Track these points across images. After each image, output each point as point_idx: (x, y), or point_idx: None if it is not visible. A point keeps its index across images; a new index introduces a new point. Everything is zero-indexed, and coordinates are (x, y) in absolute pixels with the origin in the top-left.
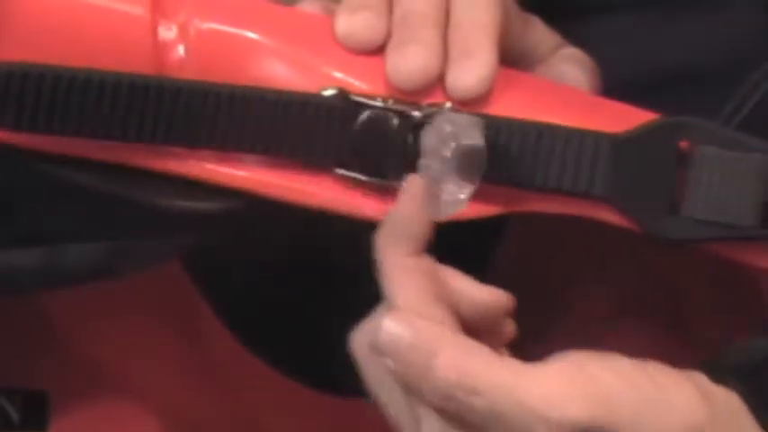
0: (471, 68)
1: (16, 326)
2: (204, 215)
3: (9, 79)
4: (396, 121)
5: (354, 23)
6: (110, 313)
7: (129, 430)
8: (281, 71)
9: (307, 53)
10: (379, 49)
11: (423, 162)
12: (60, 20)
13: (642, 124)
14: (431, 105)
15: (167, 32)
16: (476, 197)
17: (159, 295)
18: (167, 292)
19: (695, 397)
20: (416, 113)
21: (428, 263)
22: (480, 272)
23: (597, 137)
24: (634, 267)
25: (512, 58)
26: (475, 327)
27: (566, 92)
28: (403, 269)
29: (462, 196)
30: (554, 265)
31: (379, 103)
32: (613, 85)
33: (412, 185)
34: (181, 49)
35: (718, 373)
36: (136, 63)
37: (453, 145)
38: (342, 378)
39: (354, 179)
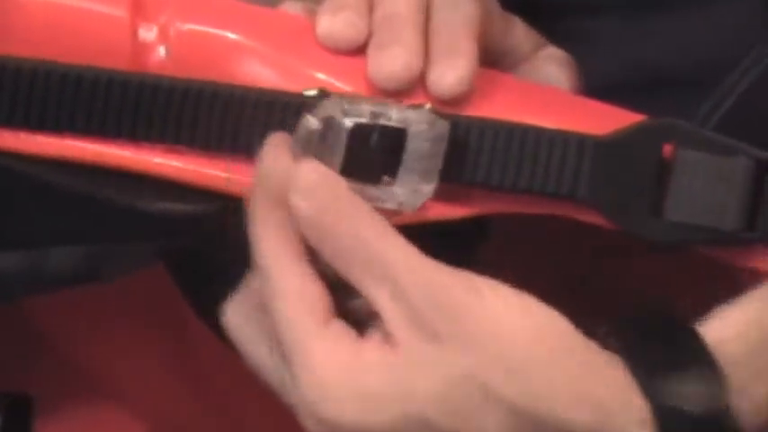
0: (452, 68)
1: (0, 330)
2: (186, 217)
3: None
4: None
5: (336, 23)
6: (95, 317)
7: None
8: (262, 72)
9: (288, 54)
10: (360, 50)
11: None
12: (40, 21)
13: (626, 126)
14: (411, 106)
15: (148, 33)
16: (459, 198)
17: (145, 299)
18: (153, 296)
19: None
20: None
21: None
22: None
23: (581, 139)
24: (621, 269)
25: (493, 58)
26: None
27: (547, 92)
28: (267, 224)
29: (425, 191)
30: (536, 267)
31: None
32: (595, 87)
33: (274, 138)
34: (161, 51)
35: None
36: (116, 64)
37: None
38: None
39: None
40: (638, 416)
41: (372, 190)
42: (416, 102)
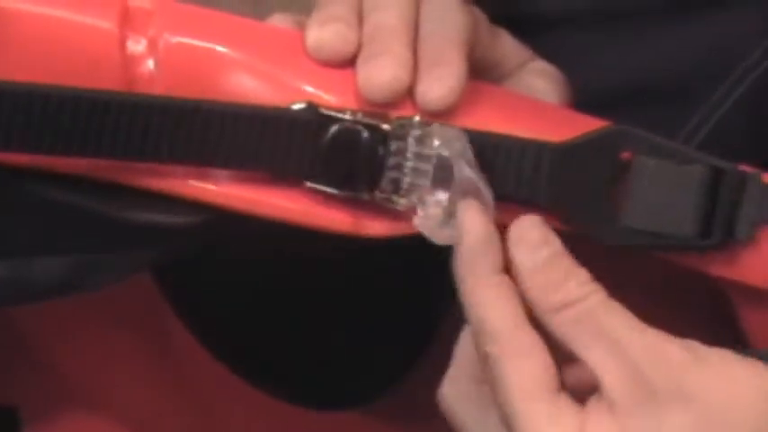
0: (441, 80)
1: None
2: (173, 229)
3: None
4: (366, 134)
5: (325, 35)
6: (81, 328)
7: None
8: (251, 85)
9: (277, 67)
10: (349, 63)
11: (411, 177)
12: (29, 33)
13: (585, 133)
14: (400, 118)
15: (136, 46)
16: None
17: (131, 309)
18: (138, 306)
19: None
20: (386, 126)
21: (509, 281)
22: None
23: (539, 146)
24: (604, 276)
25: (481, 70)
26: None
27: (532, 104)
28: (490, 288)
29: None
30: None
31: (348, 117)
32: (581, 100)
33: (470, 206)
34: (150, 63)
35: None
36: (105, 77)
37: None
38: (313, 390)
39: (325, 192)
40: None
41: (351, 196)
42: (405, 114)
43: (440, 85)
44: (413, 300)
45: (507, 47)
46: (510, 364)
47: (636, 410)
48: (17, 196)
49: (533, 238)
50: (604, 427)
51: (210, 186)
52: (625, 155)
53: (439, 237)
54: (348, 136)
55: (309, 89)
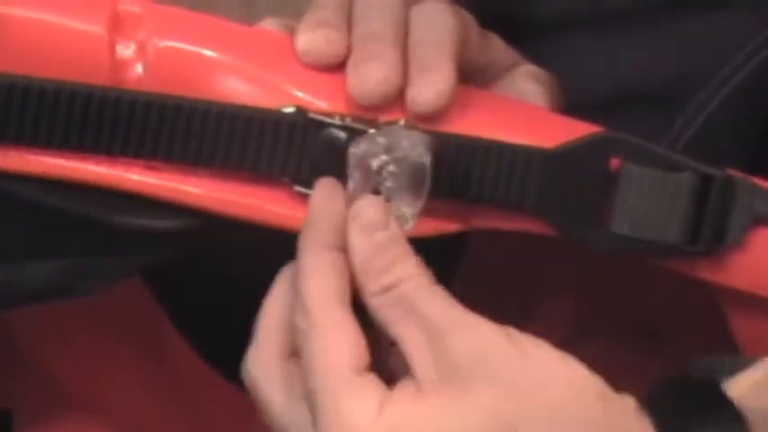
0: (430, 84)
1: None
2: (162, 233)
3: None
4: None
5: (315, 40)
6: (76, 333)
7: None
8: (240, 89)
9: (266, 71)
10: (338, 67)
11: (357, 175)
12: (19, 37)
13: (573, 140)
14: (388, 123)
15: (125, 50)
16: (420, 215)
17: (126, 315)
18: (134, 312)
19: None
20: (373, 131)
21: (342, 261)
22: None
23: (529, 151)
24: (598, 282)
25: (470, 73)
26: None
27: (522, 109)
28: (316, 263)
29: (410, 212)
30: (516, 282)
31: (337, 121)
32: (570, 103)
33: (324, 183)
34: (139, 67)
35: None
36: (94, 80)
37: (400, 159)
38: None
39: None
40: None
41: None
42: (395, 117)
43: (430, 89)
44: None
45: (497, 50)
46: (317, 339)
47: (440, 388)
48: (8, 201)
49: (369, 219)
50: (406, 404)
51: (198, 190)
52: (614, 161)
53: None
54: (336, 140)
55: (299, 93)
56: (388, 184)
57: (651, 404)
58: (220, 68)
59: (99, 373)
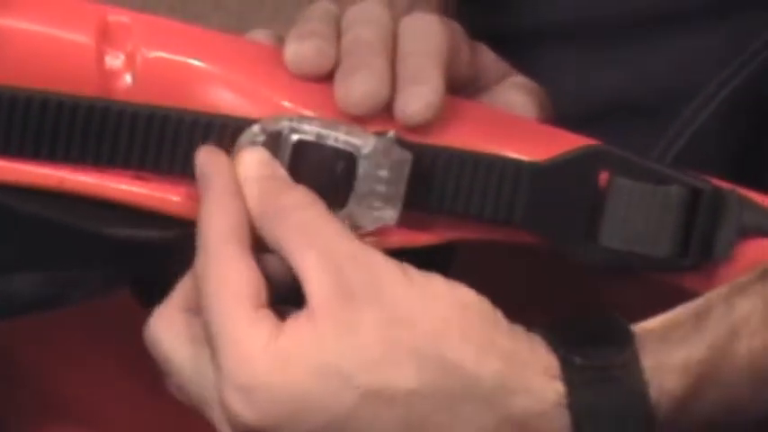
0: (419, 95)
1: None
2: (150, 243)
3: None
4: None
5: (303, 50)
6: (69, 344)
7: None
8: (228, 99)
9: (255, 81)
10: (327, 77)
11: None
12: (7, 48)
13: (562, 153)
14: (376, 133)
15: (114, 61)
16: (421, 225)
17: (118, 325)
18: (127, 322)
19: None
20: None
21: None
22: None
23: (518, 165)
24: (583, 291)
25: (459, 85)
26: None
27: (511, 121)
28: (213, 203)
29: (386, 216)
30: (505, 289)
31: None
32: (560, 115)
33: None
34: (128, 78)
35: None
36: (83, 91)
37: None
38: None
39: None
40: (546, 365)
41: None
42: (383, 129)
43: (418, 100)
44: None
45: (486, 61)
46: (214, 273)
47: (332, 312)
48: None
49: (255, 157)
50: (300, 331)
51: (187, 200)
52: (603, 175)
53: None
54: (323, 150)
55: (287, 104)
56: (364, 189)
57: (549, 329)
58: (208, 79)
59: (94, 385)
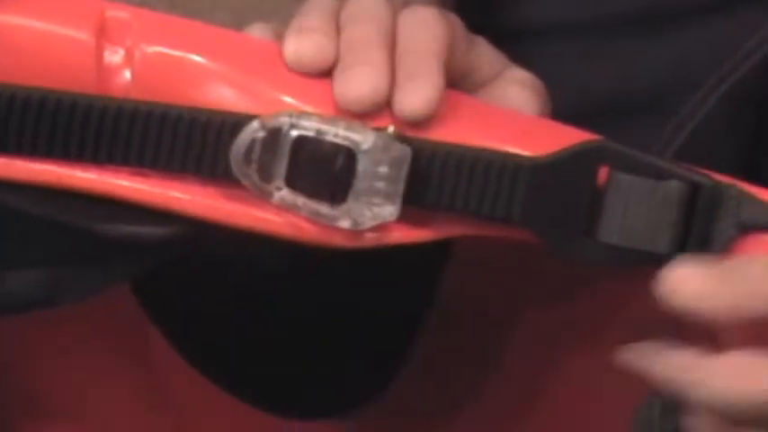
0: (418, 91)
1: None
2: (150, 240)
3: None
4: (342, 144)
5: (303, 47)
6: (59, 345)
7: None
8: (228, 95)
9: (255, 77)
10: (327, 73)
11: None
12: (4, 45)
13: (563, 149)
14: (375, 129)
15: (113, 57)
16: (420, 222)
17: (108, 321)
18: (118, 322)
19: None
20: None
21: None
22: (431, 297)
23: (517, 160)
24: (582, 290)
25: (457, 78)
26: None
27: (510, 116)
28: None
29: (385, 213)
30: (503, 286)
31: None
32: (559, 109)
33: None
34: (127, 74)
35: None
36: (82, 88)
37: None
38: (293, 400)
39: (298, 205)
40: None
41: (323, 207)
42: (383, 124)
43: (417, 97)
44: (392, 308)
45: (485, 55)
46: None
47: None
48: None
49: None
50: None
51: (187, 196)
52: (602, 170)
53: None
54: (323, 147)
55: (288, 100)
56: (363, 185)
57: None
58: (209, 74)
59: (85, 387)
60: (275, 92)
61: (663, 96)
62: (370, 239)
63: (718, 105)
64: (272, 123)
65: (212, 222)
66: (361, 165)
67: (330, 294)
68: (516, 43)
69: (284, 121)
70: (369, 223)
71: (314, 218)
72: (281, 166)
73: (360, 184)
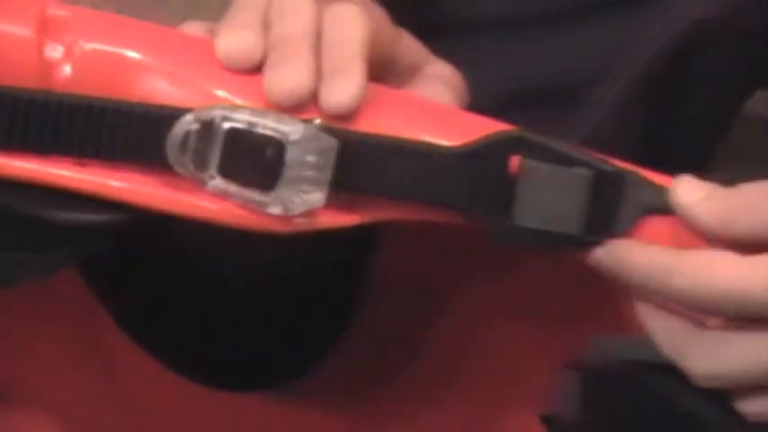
0: (342, 85)
1: None
2: (90, 226)
3: None
4: (272, 135)
5: (232, 43)
6: (8, 325)
7: None
8: (164, 89)
9: (189, 72)
10: (258, 68)
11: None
12: None
13: (480, 138)
14: (303, 121)
15: (54, 53)
16: (348, 207)
17: (56, 304)
18: (65, 301)
19: None
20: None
21: None
22: (356, 279)
23: (436, 149)
24: (510, 268)
25: (381, 70)
26: None
27: (431, 107)
28: None
29: (314, 199)
30: (436, 267)
31: (251, 119)
32: (478, 102)
33: None
34: (67, 69)
35: None
36: (23, 82)
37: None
38: (233, 375)
39: (231, 192)
40: None
41: (254, 194)
42: (311, 116)
43: (341, 91)
44: (327, 286)
45: (407, 47)
46: None
47: None
48: None
49: None
50: None
51: (123, 184)
52: (517, 158)
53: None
54: (253, 138)
55: (221, 93)
56: (292, 173)
57: None
58: (144, 69)
59: (33, 364)
60: (209, 86)
61: (574, 88)
62: (299, 224)
63: (621, 95)
64: (205, 116)
65: (150, 209)
66: (290, 154)
67: (262, 275)
68: (440, 37)
69: (217, 113)
70: (298, 209)
71: (246, 204)
72: (215, 156)
73: (289, 172)
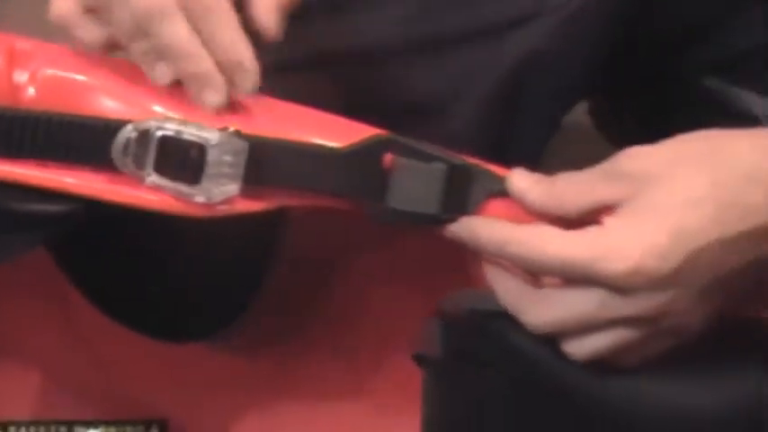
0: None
1: None
2: (50, 214)
3: None
4: (195, 140)
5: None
6: None
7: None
8: (109, 105)
9: (128, 91)
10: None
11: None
12: None
13: (360, 140)
14: (220, 129)
15: (20, 77)
16: (249, 196)
17: (32, 274)
18: (42, 272)
19: None
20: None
21: None
22: (267, 251)
23: (325, 150)
24: (392, 241)
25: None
26: None
27: (317, 115)
28: None
29: (230, 190)
30: (334, 242)
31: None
32: (373, 113)
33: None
34: (31, 90)
35: None
36: None
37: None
38: (173, 326)
39: (165, 186)
40: None
41: (183, 187)
42: (225, 125)
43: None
44: (243, 256)
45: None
46: None
47: None
48: None
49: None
50: None
51: (76, 181)
52: (389, 156)
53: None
54: (182, 143)
55: (157, 108)
56: (213, 171)
57: None
58: (93, 90)
59: (14, 320)
60: (146, 101)
61: (445, 103)
62: (220, 210)
63: (474, 109)
64: (142, 126)
65: (100, 201)
66: (210, 155)
67: (191, 248)
68: (328, 66)
69: (152, 124)
70: (218, 198)
71: (177, 195)
72: (151, 158)
73: (210, 169)
